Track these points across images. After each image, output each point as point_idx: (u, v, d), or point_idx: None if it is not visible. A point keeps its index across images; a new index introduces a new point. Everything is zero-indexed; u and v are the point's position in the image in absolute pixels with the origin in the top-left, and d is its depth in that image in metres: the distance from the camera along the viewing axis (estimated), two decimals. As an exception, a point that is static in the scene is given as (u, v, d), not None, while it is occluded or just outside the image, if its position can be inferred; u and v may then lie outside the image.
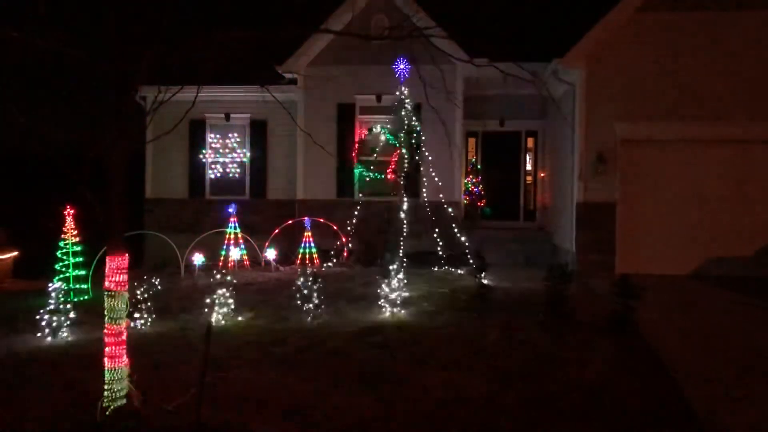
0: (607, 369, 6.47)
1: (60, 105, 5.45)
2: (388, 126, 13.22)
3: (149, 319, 8.46)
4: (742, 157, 11.93)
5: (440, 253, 12.21)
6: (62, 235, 10.53)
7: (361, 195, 14.56)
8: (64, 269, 10.50)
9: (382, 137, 14.48)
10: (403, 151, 12.08)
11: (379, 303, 9.06)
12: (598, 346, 7.31)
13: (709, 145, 11.92)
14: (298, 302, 8.91)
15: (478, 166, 16.30)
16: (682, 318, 8.65)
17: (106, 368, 5.27)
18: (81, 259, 10.67)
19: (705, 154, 11.98)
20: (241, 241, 13.89)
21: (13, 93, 5.34)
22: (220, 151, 16.16)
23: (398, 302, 9.00)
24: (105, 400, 5.22)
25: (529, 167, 16.46)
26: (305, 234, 13.89)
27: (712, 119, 11.74)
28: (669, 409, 5.46)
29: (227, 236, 13.79)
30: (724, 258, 11.85)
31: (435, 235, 12.31)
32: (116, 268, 5.29)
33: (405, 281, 10.28)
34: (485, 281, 10.29)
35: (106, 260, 5.34)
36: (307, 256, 13.82)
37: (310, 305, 8.71)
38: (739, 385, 5.94)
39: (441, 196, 12.96)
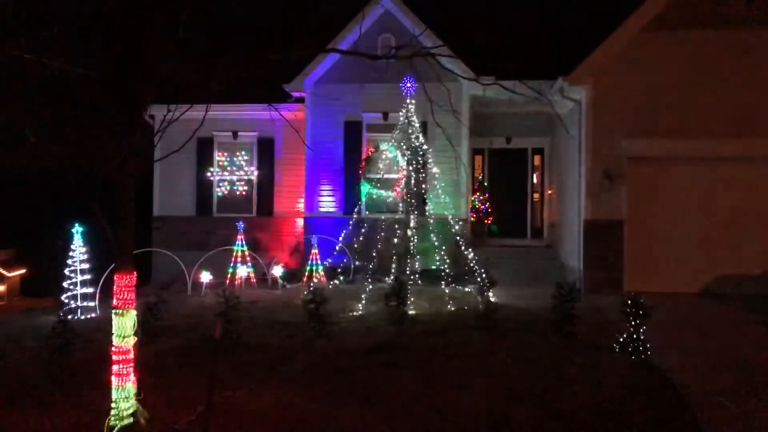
0: (615, 388, 6.42)
1: (69, 124, 5.49)
2: (395, 143, 13.26)
3: (156, 338, 8.45)
4: (750, 175, 11.87)
5: (447, 270, 12.18)
6: (70, 253, 10.57)
7: (367, 212, 14.57)
8: (71, 287, 10.53)
9: (389, 155, 14.52)
10: (410, 168, 12.08)
11: (386, 321, 9.03)
12: (606, 364, 7.26)
13: (717, 162, 11.88)
14: (305, 320, 8.89)
15: (485, 184, 16.31)
16: (691, 336, 8.58)
17: (113, 387, 5.26)
18: (88, 276, 10.70)
19: (713, 171, 11.94)
20: (248, 258, 13.90)
21: (22, 112, 5.38)
22: (228, 168, 16.24)
23: (405, 320, 8.96)
24: (112, 419, 5.21)
25: (536, 184, 16.48)
26: (312, 251, 13.89)
27: (720, 136, 11.71)
28: (677, 428, 5.41)
29: (234, 254, 13.81)
30: (733, 275, 11.77)
31: (442, 253, 12.29)
32: (124, 285, 5.30)
33: (412, 299, 10.27)
34: (493, 299, 10.26)
35: (114, 278, 5.35)
36: (314, 273, 13.82)
37: (317, 323, 8.69)
38: (749, 404, 5.88)
39: (448, 213, 12.95)
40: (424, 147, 12.61)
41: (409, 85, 11.85)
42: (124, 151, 5.23)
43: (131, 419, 5.27)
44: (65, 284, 10.57)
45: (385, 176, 14.24)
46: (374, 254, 12.34)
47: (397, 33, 14.11)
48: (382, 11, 14.50)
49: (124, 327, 5.29)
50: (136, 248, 5.72)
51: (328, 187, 15.00)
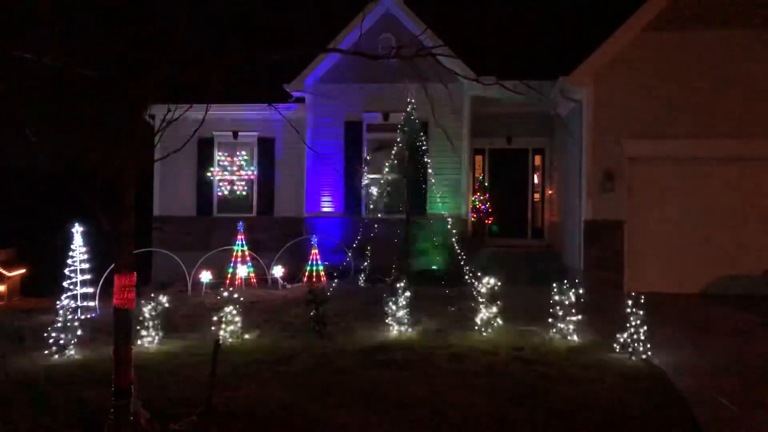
0: (615, 388, 6.41)
1: (69, 124, 5.50)
2: (396, 144, 13.25)
3: (156, 338, 8.45)
4: (751, 175, 11.87)
5: (448, 270, 12.19)
6: (70, 253, 10.56)
7: (368, 212, 14.57)
8: (71, 287, 10.52)
9: (390, 155, 14.51)
10: (410, 168, 12.09)
11: (387, 321, 9.02)
12: (606, 364, 7.25)
13: (717, 162, 11.89)
14: (305, 320, 8.89)
15: (486, 184, 16.31)
16: (691, 337, 8.57)
17: (113, 386, 5.25)
18: (89, 276, 10.69)
19: (713, 172, 11.93)
20: (248, 258, 13.89)
21: (23, 112, 5.38)
22: (228, 168, 16.25)
23: (405, 321, 8.96)
24: (112, 419, 5.20)
25: (536, 184, 16.47)
26: (312, 251, 13.89)
27: (720, 137, 11.72)
28: (677, 428, 5.40)
29: (234, 254, 13.80)
30: (734, 276, 11.76)
31: (442, 253, 12.29)
32: (124, 285, 5.29)
33: (412, 299, 10.22)
34: (493, 299, 10.23)
35: (114, 278, 5.34)
36: (314, 274, 13.81)
37: (317, 323, 8.68)
38: (749, 404, 5.87)
39: (448, 213, 12.96)
40: (425, 147, 12.62)
41: (409, 85, 11.85)
42: (124, 151, 5.22)
43: (131, 419, 5.26)
44: (65, 284, 10.56)
45: (386, 177, 14.23)
46: (375, 255, 12.34)
47: (398, 33, 14.11)
48: (383, 11, 14.51)
49: (125, 327, 5.29)
50: (136, 248, 5.71)
51: (328, 187, 14.99)
